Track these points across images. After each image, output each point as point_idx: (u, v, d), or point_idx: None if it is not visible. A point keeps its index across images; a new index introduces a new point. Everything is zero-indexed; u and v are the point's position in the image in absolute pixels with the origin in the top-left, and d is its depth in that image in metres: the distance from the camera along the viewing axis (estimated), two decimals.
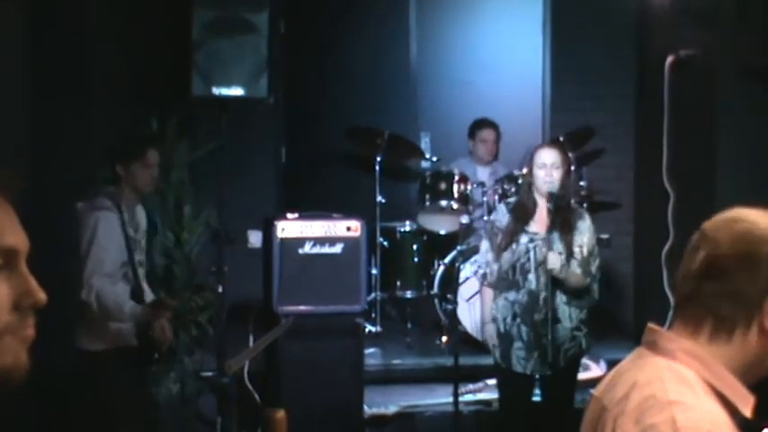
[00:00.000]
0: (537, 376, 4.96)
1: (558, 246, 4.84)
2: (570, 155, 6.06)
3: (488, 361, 6.35)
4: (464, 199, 6.93)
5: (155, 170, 4.84)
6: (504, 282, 4.97)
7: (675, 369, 1.74)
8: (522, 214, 4.97)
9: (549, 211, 4.90)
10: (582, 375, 5.36)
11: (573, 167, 5.12)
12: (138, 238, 4.85)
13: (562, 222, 4.88)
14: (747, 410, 1.74)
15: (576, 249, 4.86)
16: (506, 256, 4.95)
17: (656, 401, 1.68)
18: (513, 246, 4.93)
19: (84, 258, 4.58)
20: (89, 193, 4.75)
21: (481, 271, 5.14)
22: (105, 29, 5.45)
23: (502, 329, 4.97)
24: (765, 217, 1.76)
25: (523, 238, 4.90)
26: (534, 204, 4.96)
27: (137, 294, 4.67)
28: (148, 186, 4.88)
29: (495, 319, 5.01)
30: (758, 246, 1.74)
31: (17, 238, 1.31)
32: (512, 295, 4.95)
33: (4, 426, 3.34)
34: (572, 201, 5.11)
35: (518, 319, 4.92)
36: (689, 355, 1.75)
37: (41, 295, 1.30)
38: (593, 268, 4.93)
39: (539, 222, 4.94)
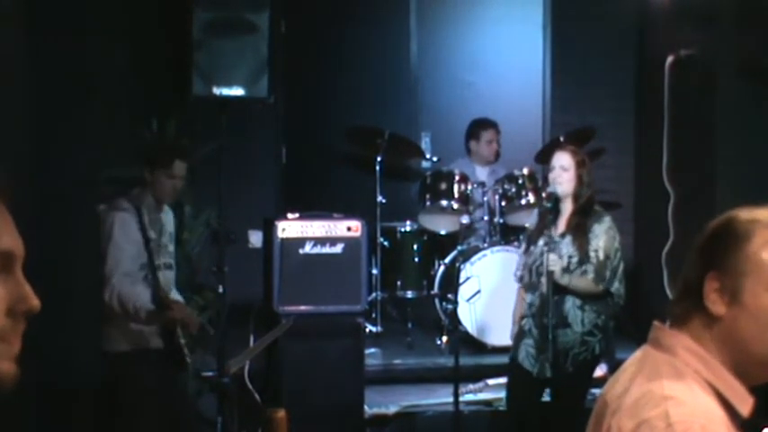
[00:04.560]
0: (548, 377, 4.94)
1: (570, 249, 4.84)
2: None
3: (488, 361, 6.40)
4: (464, 199, 6.94)
5: (179, 182, 4.93)
6: (527, 283, 5.05)
7: (674, 365, 1.74)
8: (546, 218, 5.00)
9: (550, 211, 4.92)
10: None
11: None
12: (163, 242, 4.94)
13: (576, 226, 4.88)
14: (745, 409, 1.73)
15: (592, 254, 4.82)
16: (527, 258, 5.04)
17: (652, 397, 1.68)
18: (532, 248, 4.99)
19: (103, 258, 4.69)
20: (111, 196, 4.86)
21: (519, 273, 5.19)
22: (105, 28, 5.44)
23: (522, 327, 5.03)
24: (753, 213, 1.75)
25: (541, 241, 4.92)
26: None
27: (158, 297, 4.72)
28: (168, 197, 4.96)
29: (521, 318, 5.07)
30: (707, 234, 1.76)
31: (13, 242, 1.27)
32: (529, 296, 5.02)
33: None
34: (594, 205, 5.05)
35: (533, 320, 4.94)
36: (689, 351, 1.75)
37: (35, 302, 1.27)
38: (611, 273, 4.86)
39: (558, 226, 4.95)
